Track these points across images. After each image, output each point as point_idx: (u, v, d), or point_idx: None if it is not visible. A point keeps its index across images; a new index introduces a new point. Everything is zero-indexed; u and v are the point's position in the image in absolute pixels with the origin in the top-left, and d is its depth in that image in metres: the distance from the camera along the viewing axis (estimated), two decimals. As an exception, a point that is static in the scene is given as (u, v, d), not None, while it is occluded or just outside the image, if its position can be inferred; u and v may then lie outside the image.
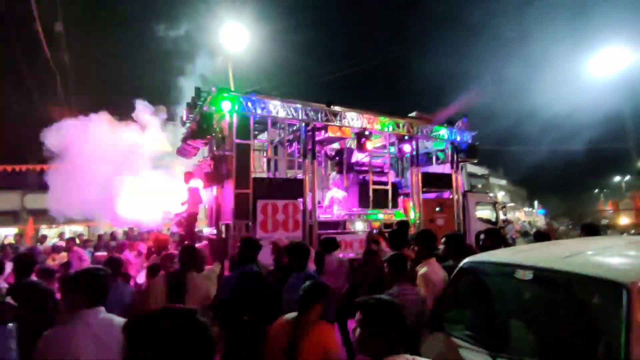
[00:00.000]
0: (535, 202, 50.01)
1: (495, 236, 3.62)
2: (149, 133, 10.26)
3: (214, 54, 14.62)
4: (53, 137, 9.55)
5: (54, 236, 11.57)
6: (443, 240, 3.51)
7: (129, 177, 9.03)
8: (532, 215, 42.31)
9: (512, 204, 38.66)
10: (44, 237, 9.71)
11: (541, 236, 4.83)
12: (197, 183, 7.58)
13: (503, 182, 43.32)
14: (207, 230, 8.31)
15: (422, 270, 3.30)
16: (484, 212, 10.61)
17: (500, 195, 36.28)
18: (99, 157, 9.27)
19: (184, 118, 7.99)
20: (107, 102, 10.77)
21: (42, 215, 13.94)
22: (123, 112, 10.68)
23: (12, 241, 9.30)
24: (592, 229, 4.74)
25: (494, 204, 10.61)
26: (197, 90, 7.18)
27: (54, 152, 9.56)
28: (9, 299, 3.05)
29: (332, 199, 8.38)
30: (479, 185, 31.68)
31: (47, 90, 15.48)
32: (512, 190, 46.09)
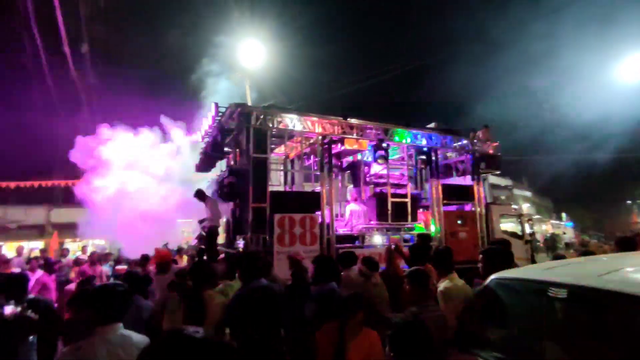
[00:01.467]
0: (563, 214, 48.08)
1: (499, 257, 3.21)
2: (174, 148, 10.52)
3: (232, 70, 14.98)
4: (82, 153, 9.93)
5: (77, 249, 11.87)
6: (480, 256, 3.25)
7: (153, 194, 9.22)
8: (560, 228, 40.63)
9: (537, 216, 37.28)
10: (67, 251, 9.94)
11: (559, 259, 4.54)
12: (214, 197, 7.62)
13: (528, 193, 41.91)
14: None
15: (442, 285, 3.15)
16: (509, 225, 10.24)
17: (525, 207, 35.10)
18: (127, 173, 9.55)
19: (203, 133, 8.13)
20: (130, 119, 11.13)
21: (66, 229, 14.42)
22: (146, 128, 11.03)
23: (38, 254, 9.57)
24: (628, 244, 4.42)
25: (520, 216, 10.22)
26: (216, 106, 7.31)
27: (83, 168, 9.92)
28: (30, 313, 3.10)
29: (352, 213, 8.27)
30: (503, 197, 30.75)
31: (73, 109, 16.23)
32: (537, 202, 44.54)
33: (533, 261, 9.08)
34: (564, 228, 40.16)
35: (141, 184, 9.58)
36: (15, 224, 16.52)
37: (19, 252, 10.21)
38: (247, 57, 15.44)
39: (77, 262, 7.78)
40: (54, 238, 12.21)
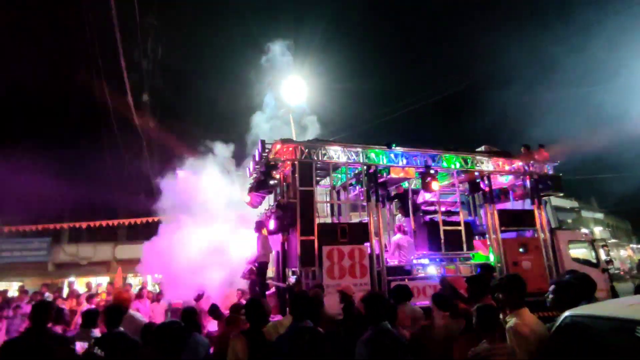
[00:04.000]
0: (645, 237, 42.62)
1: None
2: (231, 187, 10.99)
3: (276, 107, 15.64)
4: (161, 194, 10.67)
5: (138, 284, 12.59)
6: (552, 288, 2.93)
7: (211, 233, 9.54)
8: (643, 253, 35.93)
9: (613, 240, 33.35)
10: (130, 285, 10.57)
11: None
12: (266, 231, 7.77)
13: (599, 215, 37.80)
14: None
15: (510, 322, 2.84)
16: (580, 251, 9.27)
17: (597, 231, 31.66)
18: (189, 211, 10.06)
19: (251, 169, 8.46)
20: (184, 158, 11.88)
21: (129, 264, 15.42)
22: (204, 166, 11.68)
23: (105, 289, 10.29)
24: None
25: (592, 242, 9.21)
26: (262, 143, 7.62)
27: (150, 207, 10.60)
28: (96, 350, 3.29)
29: (397, 246, 7.98)
30: (569, 221, 28.04)
31: (135, 154, 17.82)
32: (611, 224, 40.01)
33: (613, 293, 8.04)
34: (649, 253, 35.48)
35: (202, 221, 9.97)
36: (85, 260, 18.05)
37: (88, 287, 11.08)
38: (291, 93, 16.14)
39: (138, 296, 8.22)
40: (118, 273, 13.02)
